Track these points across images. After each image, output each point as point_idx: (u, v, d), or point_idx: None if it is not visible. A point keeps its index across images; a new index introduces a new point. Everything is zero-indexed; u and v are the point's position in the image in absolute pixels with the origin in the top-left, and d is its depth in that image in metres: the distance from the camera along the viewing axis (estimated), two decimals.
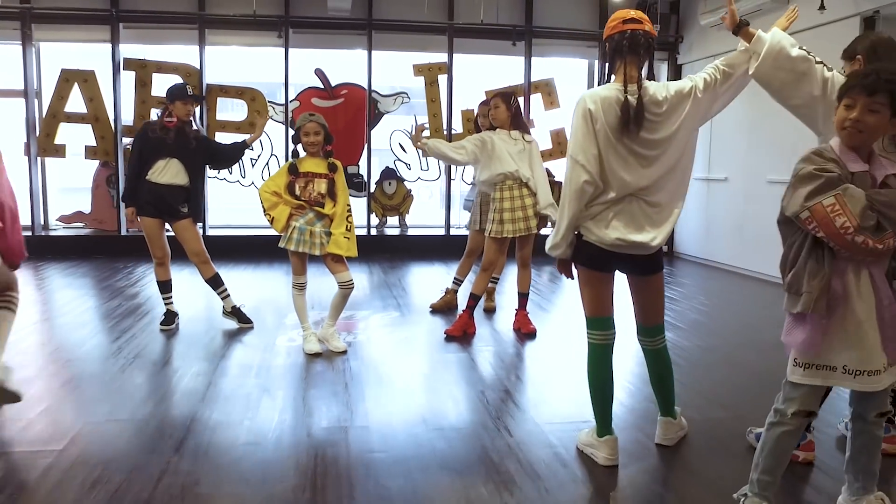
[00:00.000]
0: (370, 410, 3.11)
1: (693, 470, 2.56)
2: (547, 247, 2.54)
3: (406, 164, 7.73)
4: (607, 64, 2.48)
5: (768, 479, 2.00)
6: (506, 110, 4.31)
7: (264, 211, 3.98)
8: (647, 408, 3.07)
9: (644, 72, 2.43)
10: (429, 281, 6.40)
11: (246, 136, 4.66)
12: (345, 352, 4.02)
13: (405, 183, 7.85)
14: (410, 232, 7.92)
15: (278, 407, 3.14)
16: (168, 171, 4.29)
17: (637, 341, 2.71)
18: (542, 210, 4.31)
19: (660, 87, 2.42)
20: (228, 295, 4.61)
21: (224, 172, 7.20)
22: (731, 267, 7.01)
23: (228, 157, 4.75)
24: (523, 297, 4.56)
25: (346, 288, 4.00)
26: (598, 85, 2.50)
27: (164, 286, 4.50)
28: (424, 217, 8.28)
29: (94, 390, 3.34)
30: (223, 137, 7.25)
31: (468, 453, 2.66)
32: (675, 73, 7.94)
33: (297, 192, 3.89)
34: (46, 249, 7.14)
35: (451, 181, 7.78)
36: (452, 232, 7.80)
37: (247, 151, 4.77)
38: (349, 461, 2.57)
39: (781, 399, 2.00)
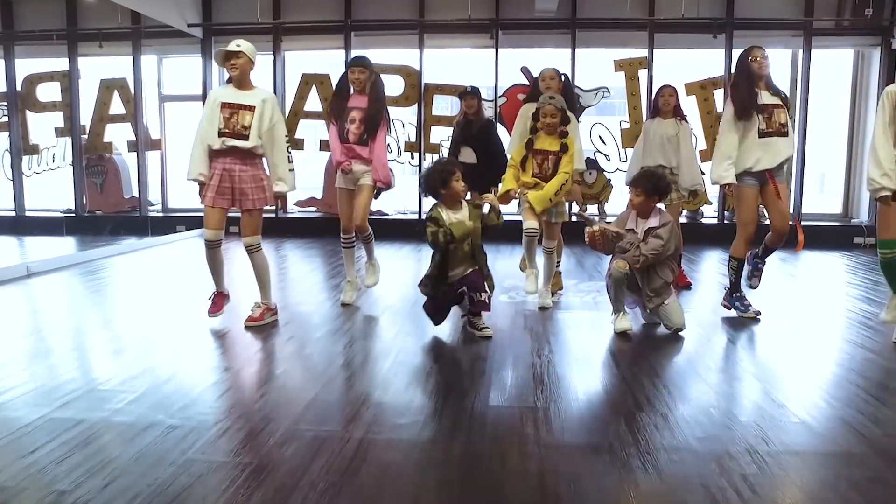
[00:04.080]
0: None
1: None
2: None
3: (605, 155, 8.04)
4: None
5: None
6: None
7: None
8: None
9: None
10: None
11: None
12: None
13: (605, 174, 8.16)
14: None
15: None
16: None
17: None
18: None
19: None
20: None
21: None
22: None
23: None
24: None
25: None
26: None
27: None
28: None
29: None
30: (437, 132, 8.03)
31: None
32: (890, 61, 7.66)
33: (535, 167, 4.32)
34: (286, 229, 8.20)
35: None
36: None
37: None
38: None
39: None
